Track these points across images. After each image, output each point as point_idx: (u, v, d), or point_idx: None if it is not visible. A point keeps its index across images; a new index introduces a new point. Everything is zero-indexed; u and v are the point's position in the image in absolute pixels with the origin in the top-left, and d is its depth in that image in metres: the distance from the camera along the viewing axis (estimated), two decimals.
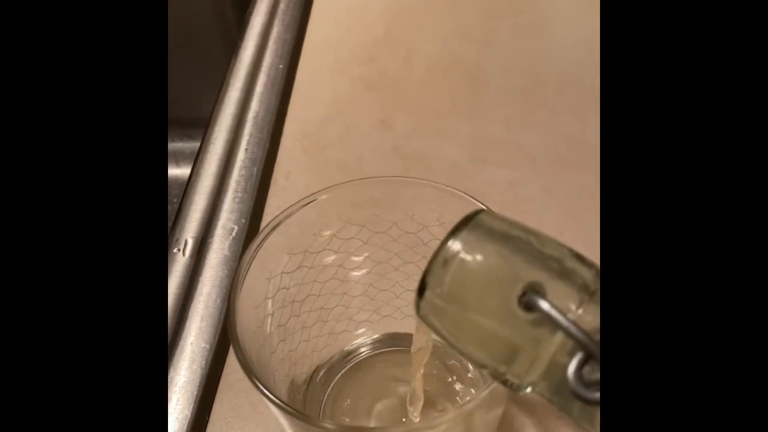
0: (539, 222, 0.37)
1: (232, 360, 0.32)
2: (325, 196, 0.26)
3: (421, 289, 0.19)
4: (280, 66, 0.45)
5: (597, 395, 0.16)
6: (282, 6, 0.49)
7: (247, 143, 0.41)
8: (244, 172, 0.40)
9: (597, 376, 0.17)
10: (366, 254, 0.27)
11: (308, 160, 0.41)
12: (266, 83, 0.44)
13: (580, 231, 0.36)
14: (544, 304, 0.17)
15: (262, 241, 0.24)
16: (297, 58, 0.46)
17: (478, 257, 0.19)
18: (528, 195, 0.38)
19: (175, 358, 0.32)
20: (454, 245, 0.19)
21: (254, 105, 0.43)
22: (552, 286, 0.18)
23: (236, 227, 0.37)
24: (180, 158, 0.66)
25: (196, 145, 0.67)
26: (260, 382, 0.21)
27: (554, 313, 0.17)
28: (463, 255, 0.19)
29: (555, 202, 0.38)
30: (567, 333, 0.17)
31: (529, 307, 0.18)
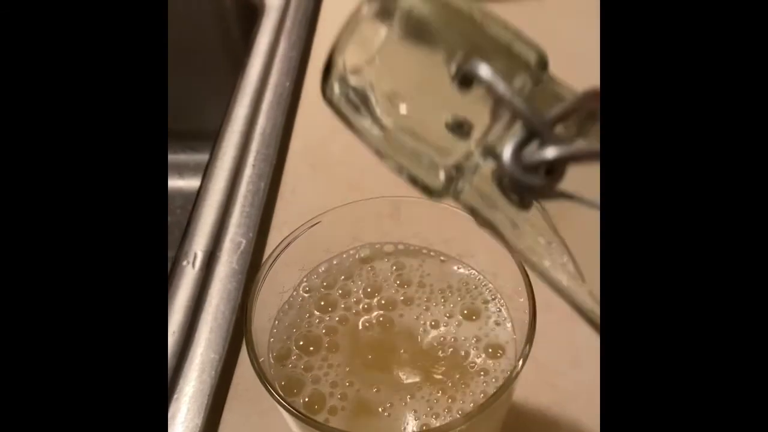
0: None
1: (240, 370, 0.33)
2: (332, 216, 0.27)
3: (328, 69, 0.16)
4: (287, 83, 0.47)
5: (537, 180, 0.15)
6: (288, 24, 0.51)
7: (255, 159, 0.42)
8: (251, 187, 0.41)
9: (541, 155, 0.15)
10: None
11: (314, 175, 0.42)
12: (272, 100, 0.46)
13: None
14: (485, 71, 0.15)
15: (273, 261, 0.25)
16: (303, 76, 0.47)
17: (413, 17, 0.15)
18: None
19: (185, 369, 0.33)
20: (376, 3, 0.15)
21: (261, 121, 0.44)
22: (494, 65, 0.15)
23: (244, 241, 0.38)
24: (184, 170, 0.68)
25: (200, 157, 0.68)
26: (273, 389, 0.22)
27: (496, 81, 0.15)
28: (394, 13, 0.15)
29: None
30: (509, 105, 0.15)
31: (465, 80, 0.15)
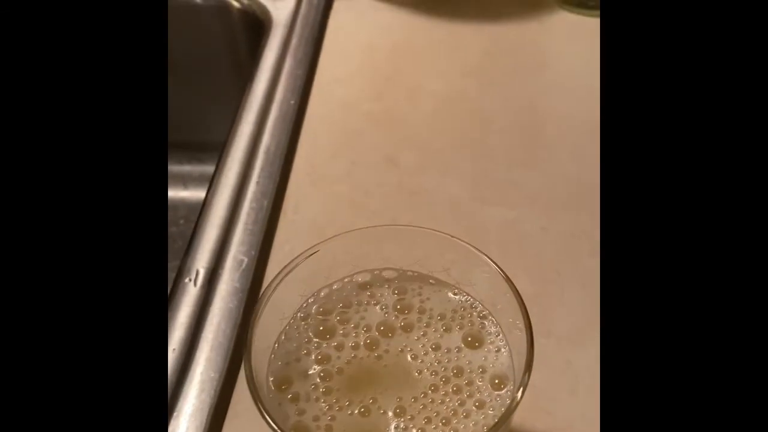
0: (536, 260, 0.38)
1: (239, 390, 0.34)
2: (333, 243, 0.27)
3: None
4: (292, 101, 0.47)
5: None
6: (294, 42, 0.51)
7: (258, 176, 0.43)
8: (254, 205, 0.41)
9: None
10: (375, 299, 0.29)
11: (316, 193, 0.43)
12: (278, 117, 0.46)
13: (576, 269, 0.38)
14: None
15: (273, 288, 0.26)
16: (308, 94, 0.48)
17: None
18: (526, 233, 0.40)
19: (185, 387, 0.33)
20: None
21: (266, 139, 0.45)
22: None
23: (246, 259, 0.38)
24: (188, 180, 0.68)
25: (204, 168, 0.69)
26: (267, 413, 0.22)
27: None
28: None
29: (552, 240, 0.40)
30: None
31: None
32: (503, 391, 0.25)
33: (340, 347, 0.27)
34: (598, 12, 0.53)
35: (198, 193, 0.68)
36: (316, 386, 0.25)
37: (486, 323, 0.27)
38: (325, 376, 0.26)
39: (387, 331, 0.27)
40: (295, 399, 0.25)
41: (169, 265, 0.62)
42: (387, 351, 0.26)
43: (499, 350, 0.26)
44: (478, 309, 0.28)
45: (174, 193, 0.68)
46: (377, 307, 0.28)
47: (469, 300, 0.28)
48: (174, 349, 0.34)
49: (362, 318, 0.27)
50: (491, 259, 0.26)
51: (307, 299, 0.28)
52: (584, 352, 0.34)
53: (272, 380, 0.26)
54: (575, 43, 0.53)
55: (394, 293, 0.28)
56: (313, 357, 0.26)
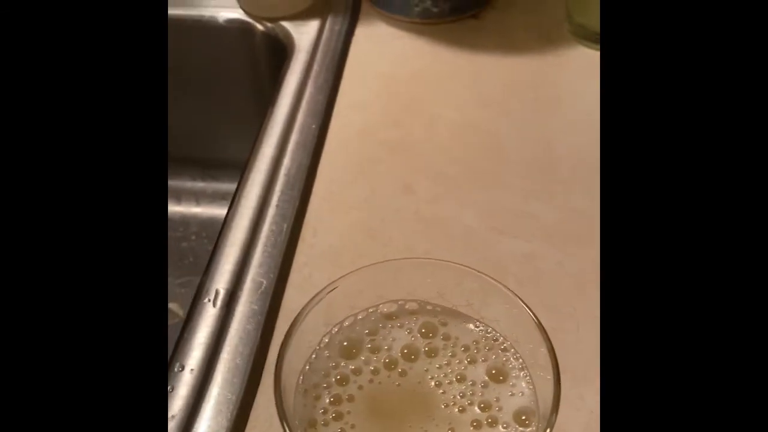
0: (552, 297, 0.39)
1: (256, 413, 0.34)
2: (356, 276, 0.28)
3: None
4: (312, 126, 0.48)
5: None
6: (316, 67, 0.52)
7: (278, 199, 0.43)
8: (274, 227, 0.42)
9: None
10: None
11: (334, 219, 0.43)
12: (298, 141, 0.47)
13: (592, 305, 0.38)
14: None
15: (300, 321, 0.26)
16: (328, 119, 0.49)
17: None
18: (543, 269, 0.40)
19: (202, 409, 0.34)
20: None
21: (286, 162, 0.45)
22: None
23: (264, 281, 0.39)
24: (201, 197, 0.69)
25: (217, 185, 0.69)
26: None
27: None
28: None
29: (568, 277, 0.40)
30: None
31: None
32: (528, 429, 0.25)
33: (367, 374, 0.27)
34: None
35: (210, 210, 0.68)
36: (343, 412, 0.26)
37: (512, 358, 0.28)
38: (352, 401, 0.26)
39: (411, 353, 0.27)
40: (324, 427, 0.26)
41: (181, 280, 0.63)
42: (407, 374, 0.27)
43: (523, 388, 0.27)
44: (500, 341, 0.28)
45: (186, 209, 0.68)
46: (403, 330, 0.28)
47: (492, 333, 0.28)
48: (192, 370, 0.35)
49: (390, 340, 0.28)
50: (515, 294, 0.27)
51: (332, 327, 0.28)
52: (598, 388, 0.34)
53: (299, 411, 0.26)
54: (592, 79, 0.54)
55: (418, 324, 0.29)
56: (339, 385, 0.27)
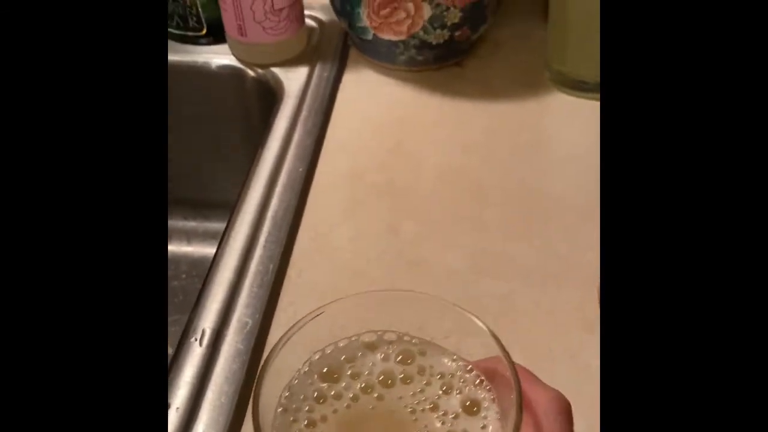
0: (528, 335, 0.40)
1: None
2: (337, 306, 0.29)
3: None
4: (300, 168, 0.49)
5: None
6: (304, 112, 0.54)
7: (266, 240, 0.44)
8: (260, 268, 0.43)
9: None
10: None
11: (320, 259, 0.44)
12: (286, 183, 0.48)
13: (567, 345, 0.39)
14: None
15: (279, 349, 0.27)
16: (316, 162, 0.50)
17: None
18: (520, 308, 0.42)
19: None
20: None
21: (274, 203, 0.47)
22: None
23: (250, 321, 0.40)
24: (192, 236, 0.70)
25: (208, 225, 0.70)
26: None
27: None
28: None
29: (544, 316, 0.41)
30: None
31: None
32: None
33: (338, 396, 0.28)
34: (594, 95, 0.57)
35: (201, 249, 0.70)
36: None
37: (485, 392, 0.29)
38: (323, 420, 0.27)
39: (387, 379, 0.29)
40: None
41: (172, 318, 0.63)
42: (383, 399, 0.28)
43: (494, 418, 0.28)
44: (478, 377, 0.29)
45: (177, 248, 0.69)
46: (378, 355, 0.29)
47: (468, 366, 0.29)
48: (177, 408, 0.35)
49: (370, 365, 0.29)
50: (489, 329, 0.28)
51: (312, 355, 0.29)
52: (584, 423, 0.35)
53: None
54: (571, 124, 0.56)
55: (396, 355, 0.30)
56: (317, 412, 0.28)
